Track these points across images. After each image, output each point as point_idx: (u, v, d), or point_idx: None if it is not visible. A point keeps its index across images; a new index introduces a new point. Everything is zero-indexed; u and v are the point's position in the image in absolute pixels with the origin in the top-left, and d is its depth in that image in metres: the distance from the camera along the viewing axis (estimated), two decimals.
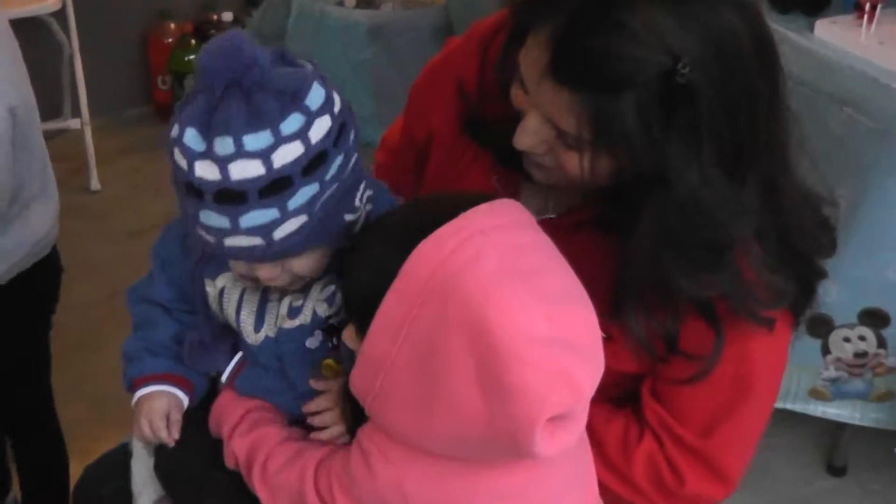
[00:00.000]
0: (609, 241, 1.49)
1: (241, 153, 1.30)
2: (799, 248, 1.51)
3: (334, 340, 1.52)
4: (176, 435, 1.60)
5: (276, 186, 1.33)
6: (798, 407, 2.50)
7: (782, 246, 1.48)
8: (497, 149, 1.62)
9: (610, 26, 1.31)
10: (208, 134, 1.31)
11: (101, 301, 3.35)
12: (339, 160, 1.39)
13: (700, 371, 1.49)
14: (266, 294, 1.53)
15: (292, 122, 1.32)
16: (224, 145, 1.30)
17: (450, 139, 1.73)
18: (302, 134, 1.33)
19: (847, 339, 2.37)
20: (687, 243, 1.40)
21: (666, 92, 1.31)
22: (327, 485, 1.41)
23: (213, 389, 1.68)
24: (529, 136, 1.45)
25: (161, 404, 1.61)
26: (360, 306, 1.31)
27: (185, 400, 1.63)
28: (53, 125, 4.32)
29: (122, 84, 4.57)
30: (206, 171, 1.32)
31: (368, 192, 1.49)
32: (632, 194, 1.40)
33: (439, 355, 1.22)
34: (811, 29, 2.36)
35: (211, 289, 1.56)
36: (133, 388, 1.63)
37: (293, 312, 1.52)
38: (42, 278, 2.41)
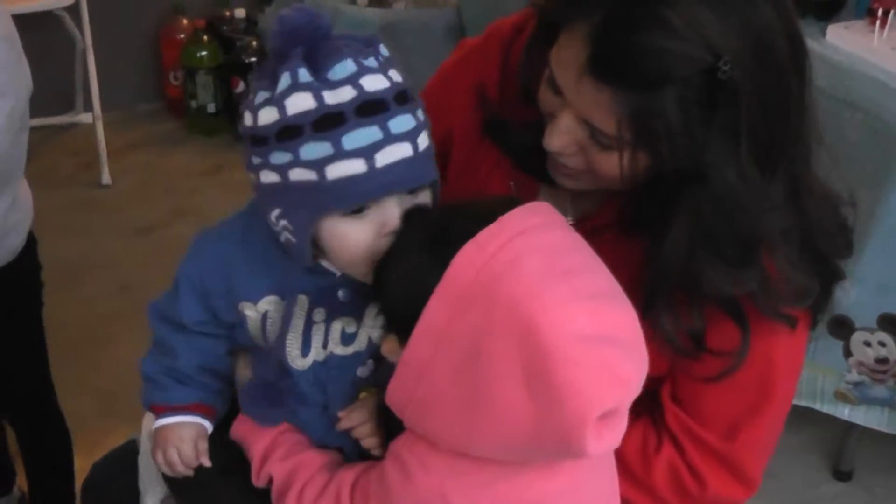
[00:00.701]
0: (626, 243, 1.48)
1: (363, 70, 1.31)
2: (820, 248, 1.50)
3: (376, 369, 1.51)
4: (206, 462, 1.58)
5: (401, 97, 1.34)
6: (826, 409, 2.49)
7: (805, 245, 1.47)
8: (517, 153, 1.61)
9: (651, 21, 1.30)
10: (321, 68, 1.30)
11: (111, 295, 3.32)
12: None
13: (728, 368, 1.48)
14: (311, 317, 1.48)
15: (381, 53, 1.35)
16: (345, 67, 1.30)
17: (470, 143, 1.71)
18: (389, 64, 1.35)
19: (868, 344, 2.36)
20: (721, 240, 1.40)
21: (707, 88, 1.31)
22: (363, 499, 1.40)
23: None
24: (562, 136, 1.43)
25: (190, 433, 1.58)
26: (401, 316, 1.29)
27: (210, 428, 1.61)
28: (66, 119, 4.35)
29: (134, 79, 4.56)
30: (339, 94, 1.30)
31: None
32: (666, 192, 1.38)
33: (484, 358, 1.21)
34: (823, 34, 2.35)
35: (251, 312, 1.50)
36: (157, 413, 1.60)
37: (347, 339, 1.49)
38: (30, 266, 2.43)
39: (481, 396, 1.22)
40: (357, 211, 1.34)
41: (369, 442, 1.48)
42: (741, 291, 1.44)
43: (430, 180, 1.39)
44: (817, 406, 2.48)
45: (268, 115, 1.32)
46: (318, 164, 1.31)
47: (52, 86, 4.19)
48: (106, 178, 4.14)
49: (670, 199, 1.39)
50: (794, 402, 2.23)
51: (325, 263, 1.45)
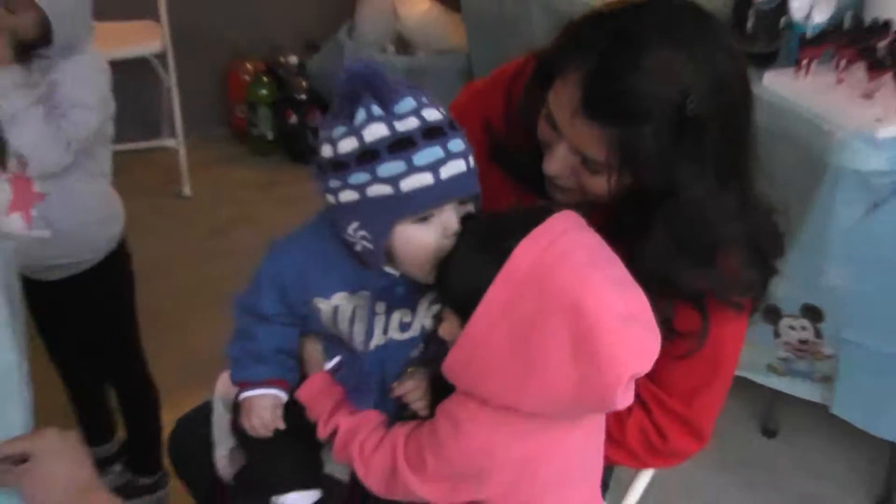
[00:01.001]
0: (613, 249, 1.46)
1: (421, 104, 1.33)
2: (762, 250, 1.51)
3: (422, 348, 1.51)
4: (280, 426, 1.58)
5: (452, 125, 1.36)
6: (760, 379, 2.51)
7: (751, 247, 1.48)
8: (518, 175, 1.61)
9: (632, 70, 1.32)
10: (387, 104, 1.32)
11: (189, 284, 3.33)
12: None
13: (691, 348, 1.51)
14: (373, 310, 1.48)
15: (427, 96, 1.37)
16: (408, 103, 1.32)
17: (480, 167, 1.71)
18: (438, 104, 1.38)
19: (792, 328, 2.37)
20: (690, 244, 1.42)
21: (678, 121, 1.33)
22: (416, 451, 1.39)
23: None
24: (558, 163, 1.45)
25: (268, 403, 1.58)
26: (463, 301, 1.30)
27: (285, 398, 1.59)
28: (154, 143, 4.34)
29: (208, 112, 4.56)
30: (406, 123, 1.32)
31: None
32: (645, 206, 1.41)
33: (538, 331, 1.23)
34: (761, 79, 2.34)
35: (324, 306, 1.50)
36: (242, 387, 1.60)
37: (404, 327, 1.49)
38: (125, 255, 2.44)
39: (534, 362, 1.25)
40: (423, 218, 1.36)
41: (419, 405, 1.47)
42: (705, 287, 1.47)
43: (479, 192, 1.40)
44: (752, 376, 2.50)
45: (347, 144, 1.34)
46: (394, 180, 1.32)
47: (144, 116, 4.23)
48: (187, 190, 4.17)
49: (648, 212, 1.40)
50: (736, 372, 2.25)
51: (386, 268, 1.45)
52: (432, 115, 1.34)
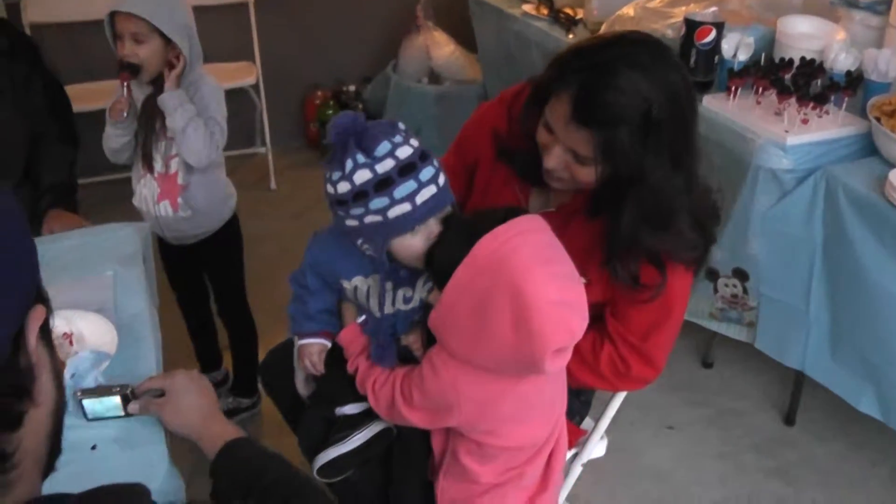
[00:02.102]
0: (589, 223, 1.52)
1: (395, 145, 1.32)
2: (702, 220, 1.51)
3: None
4: (322, 369, 1.63)
5: (423, 156, 1.34)
6: (703, 322, 2.51)
7: (694, 215, 1.49)
8: (519, 168, 1.62)
9: (608, 87, 1.36)
10: (369, 150, 1.31)
11: (277, 254, 3.35)
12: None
13: (652, 295, 1.51)
14: (384, 287, 1.50)
15: (401, 128, 1.36)
16: (384, 147, 1.31)
17: (489, 166, 1.71)
18: (409, 136, 1.36)
19: (726, 285, 2.37)
20: (653, 216, 1.44)
21: (644, 124, 1.37)
22: (408, 387, 1.42)
23: None
24: (555, 159, 1.47)
25: (316, 349, 1.62)
26: (443, 275, 1.30)
27: (329, 344, 1.63)
28: (249, 150, 4.36)
29: (289, 127, 4.53)
30: (384, 165, 1.31)
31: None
32: (619, 189, 1.42)
33: (489, 306, 1.24)
34: (701, 101, 2.34)
35: (347, 285, 1.54)
36: (299, 337, 1.64)
37: (407, 300, 1.50)
38: (236, 222, 2.45)
39: (485, 329, 1.26)
40: (411, 231, 1.37)
41: (417, 350, 1.48)
42: (662, 247, 1.48)
43: (452, 202, 1.39)
44: (697, 321, 2.50)
45: (343, 187, 1.34)
46: (382, 211, 1.33)
47: (243, 130, 4.22)
48: (273, 185, 4.18)
49: (622, 194, 1.43)
50: (686, 318, 2.26)
51: None
52: (404, 152, 1.32)
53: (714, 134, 2.25)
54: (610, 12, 2.85)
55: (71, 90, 3.62)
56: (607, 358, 1.60)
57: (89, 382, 1.47)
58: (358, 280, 1.51)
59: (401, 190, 1.31)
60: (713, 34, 2.34)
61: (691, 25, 2.37)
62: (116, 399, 1.44)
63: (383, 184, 1.31)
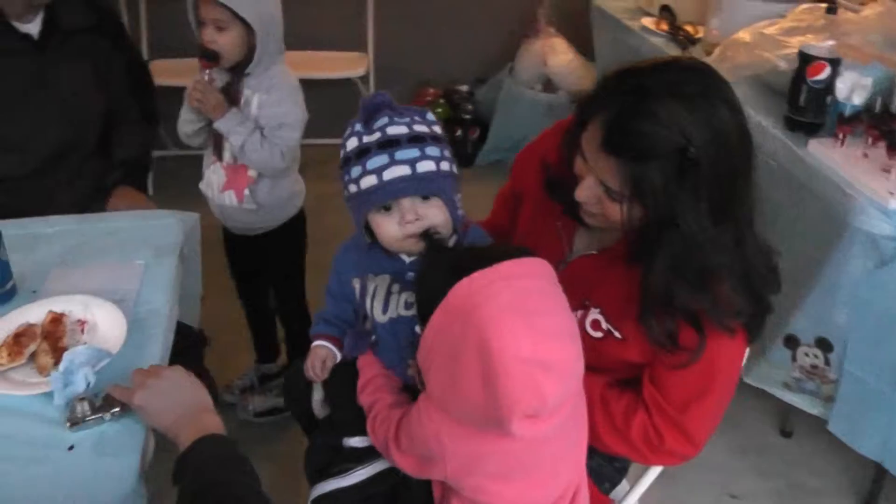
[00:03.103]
0: (631, 269, 1.38)
1: (392, 122, 1.34)
2: (754, 285, 1.36)
3: None
4: (324, 375, 1.63)
5: (415, 139, 1.34)
6: (776, 392, 2.29)
7: (744, 281, 1.35)
8: (564, 203, 1.50)
9: (644, 115, 1.24)
10: (371, 122, 1.34)
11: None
12: (448, 152, 1.39)
13: (690, 359, 1.37)
14: (390, 290, 1.48)
15: (424, 118, 1.38)
16: (381, 121, 1.34)
17: (535, 196, 1.61)
18: (428, 124, 1.38)
19: (807, 355, 2.15)
20: (685, 269, 1.30)
21: (679, 162, 1.24)
22: (399, 430, 1.38)
23: None
24: (585, 191, 1.36)
25: (322, 353, 1.62)
26: (424, 311, 1.23)
27: (339, 355, 1.62)
28: None
29: None
30: (371, 136, 1.33)
31: (461, 209, 1.43)
32: (653, 234, 1.30)
33: (459, 357, 1.15)
34: (806, 144, 2.12)
35: (357, 284, 1.52)
36: (313, 339, 1.65)
37: (408, 306, 1.46)
38: (302, 220, 2.41)
39: (456, 381, 1.16)
40: (387, 208, 1.37)
41: (419, 384, 1.38)
42: (697, 307, 1.33)
43: (425, 194, 1.36)
44: (770, 389, 2.29)
45: (341, 153, 1.39)
46: (356, 180, 1.35)
47: (345, 121, 4.18)
48: None
49: (655, 239, 1.29)
50: (756, 384, 2.06)
51: (401, 255, 1.46)
52: (396, 130, 1.33)
53: (813, 184, 2.04)
54: (729, 34, 2.65)
55: (161, 64, 3.73)
56: (640, 426, 1.45)
57: (78, 379, 1.43)
58: (368, 278, 1.50)
59: (373, 161, 1.33)
60: (827, 71, 2.11)
61: (805, 59, 2.15)
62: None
63: (362, 153, 1.34)
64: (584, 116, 1.33)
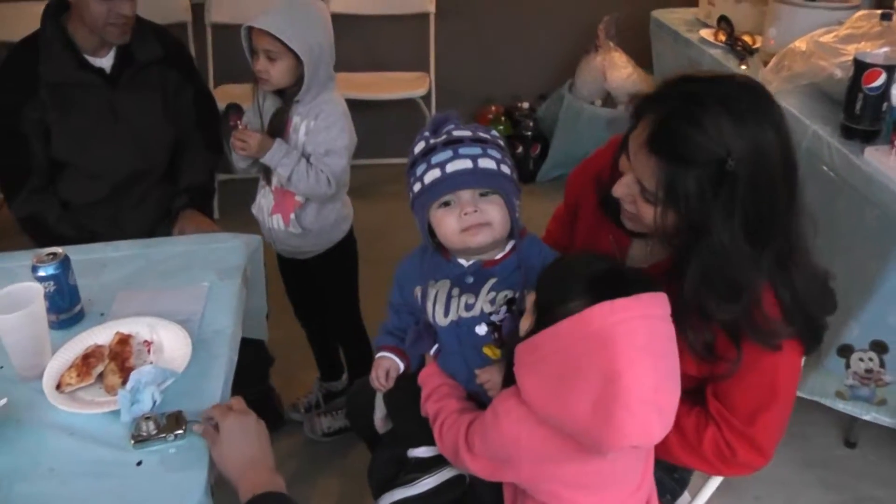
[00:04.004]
0: (677, 285, 1.38)
1: (456, 128, 1.43)
2: (807, 310, 1.38)
3: (495, 335, 1.48)
4: (389, 385, 1.66)
5: (477, 140, 1.41)
6: (827, 402, 2.26)
7: (795, 305, 1.35)
8: (616, 219, 1.53)
9: (691, 120, 1.26)
10: (435, 130, 1.45)
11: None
12: (509, 159, 1.46)
13: (730, 369, 1.39)
14: (450, 293, 1.50)
15: (487, 132, 1.47)
16: (447, 127, 1.44)
17: (591, 212, 1.64)
18: (492, 136, 1.46)
19: (861, 360, 2.12)
20: (716, 280, 1.31)
21: (717, 173, 1.25)
22: (471, 435, 1.38)
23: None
24: (623, 188, 1.39)
25: (386, 364, 1.66)
26: (544, 307, 1.26)
27: (402, 365, 1.66)
28: None
29: None
30: (438, 138, 1.42)
31: (518, 212, 1.47)
32: (685, 242, 1.32)
33: (579, 375, 1.18)
34: (863, 152, 2.10)
35: (419, 292, 1.55)
36: (377, 350, 1.69)
37: (468, 307, 1.48)
38: (351, 243, 2.44)
39: (564, 392, 1.20)
40: (446, 203, 1.42)
41: (491, 390, 1.46)
42: (727, 318, 1.34)
43: (485, 188, 1.42)
44: (821, 400, 2.26)
45: (409, 159, 1.46)
46: (422, 177, 1.41)
47: (411, 141, 4.23)
48: None
49: (689, 248, 1.32)
50: (808, 397, 2.03)
51: (460, 260, 1.51)
52: (461, 133, 1.42)
53: (870, 191, 2.01)
54: (786, 43, 2.62)
55: (226, 89, 3.84)
56: (711, 441, 1.46)
57: (145, 398, 1.49)
58: (429, 284, 1.53)
59: (438, 157, 1.39)
60: (883, 78, 2.08)
61: (860, 67, 2.12)
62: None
63: (428, 151, 1.41)
64: (637, 114, 1.36)
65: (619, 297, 1.17)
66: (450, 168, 1.38)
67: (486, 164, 1.40)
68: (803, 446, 2.57)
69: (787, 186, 1.30)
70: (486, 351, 1.49)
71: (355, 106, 3.60)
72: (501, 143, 1.47)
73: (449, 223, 1.43)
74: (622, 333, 1.15)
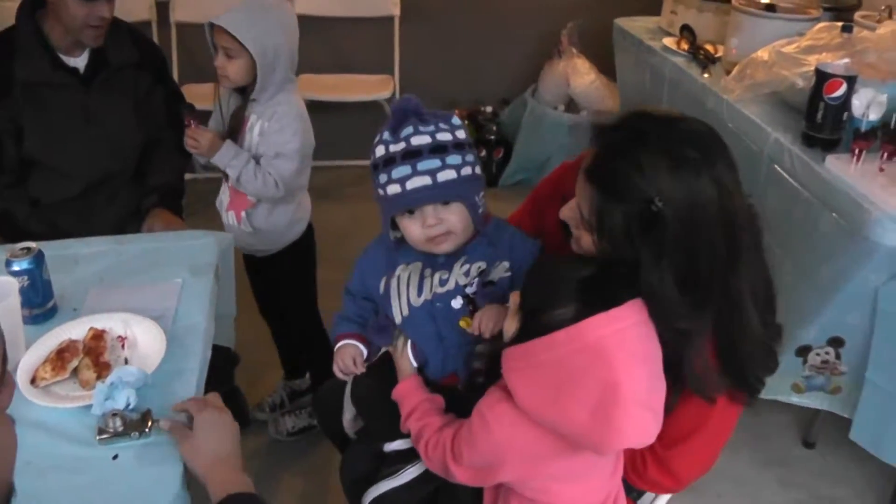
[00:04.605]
0: None
1: (416, 132, 1.42)
2: (745, 370, 1.38)
3: (470, 307, 1.51)
4: (358, 370, 1.64)
5: (437, 149, 1.42)
6: (782, 397, 2.31)
7: (733, 362, 1.35)
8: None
9: (628, 158, 1.26)
10: (394, 131, 1.43)
11: None
12: (471, 156, 1.47)
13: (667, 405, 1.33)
14: (423, 273, 1.53)
15: (448, 124, 1.46)
16: (407, 130, 1.42)
17: (555, 233, 1.60)
18: (452, 129, 1.46)
19: (818, 354, 2.20)
20: (652, 318, 1.27)
21: (645, 213, 1.23)
22: (458, 446, 1.37)
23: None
24: (567, 211, 1.40)
25: (351, 351, 1.64)
26: (533, 312, 1.27)
27: (366, 351, 1.65)
28: None
29: None
30: (397, 146, 1.42)
31: (484, 204, 1.51)
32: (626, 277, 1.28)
33: (577, 383, 1.19)
34: (824, 160, 2.15)
35: (383, 282, 1.58)
36: (336, 340, 1.66)
37: (442, 282, 1.51)
38: (307, 244, 2.43)
39: (563, 400, 1.21)
40: (410, 212, 1.47)
41: (486, 333, 1.45)
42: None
43: (444, 200, 1.45)
44: (775, 397, 2.31)
45: (371, 158, 1.48)
46: (383, 186, 1.45)
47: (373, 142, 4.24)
48: None
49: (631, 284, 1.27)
50: (764, 396, 2.07)
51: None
52: (419, 141, 1.41)
53: (830, 197, 2.06)
54: (748, 53, 2.68)
55: (191, 88, 3.81)
56: (628, 451, 1.49)
57: (120, 396, 1.49)
58: (400, 269, 1.56)
59: (398, 171, 1.41)
60: (843, 88, 2.14)
61: (822, 77, 2.18)
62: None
63: (388, 162, 1.43)
64: (592, 140, 1.37)
65: (608, 305, 1.19)
66: (409, 185, 1.41)
67: (446, 176, 1.42)
68: (763, 446, 2.63)
69: (726, 242, 1.26)
70: (462, 324, 1.52)
71: (319, 107, 3.65)
72: (463, 135, 1.47)
73: (413, 231, 1.48)
74: (618, 343, 1.17)
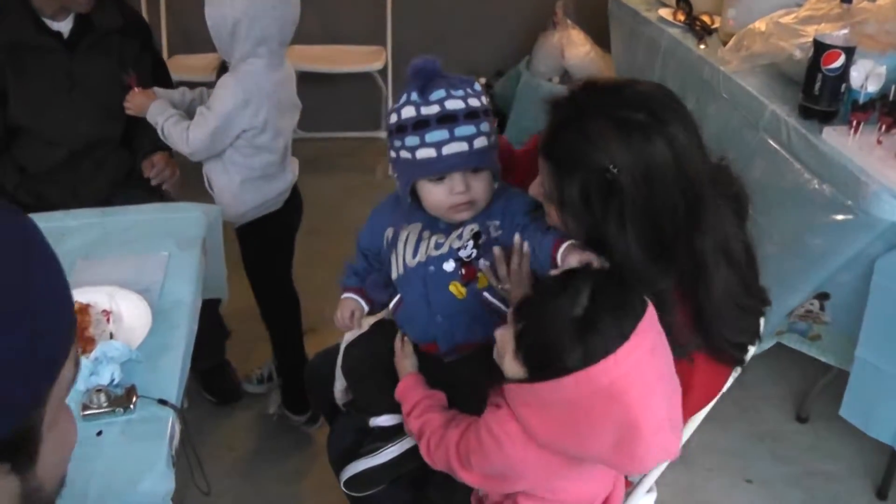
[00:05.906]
0: None
1: (449, 96, 1.40)
2: (720, 331, 1.34)
3: (462, 271, 1.50)
4: (353, 326, 1.67)
5: (471, 115, 1.40)
6: (766, 345, 2.30)
7: (701, 321, 1.32)
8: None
9: (576, 127, 1.25)
10: (426, 92, 1.40)
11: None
12: (494, 124, 1.46)
13: None
14: (420, 236, 1.53)
15: (474, 89, 1.44)
16: (439, 94, 1.40)
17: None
18: (478, 95, 1.44)
19: (803, 306, 2.20)
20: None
21: (602, 183, 1.23)
22: (465, 453, 1.32)
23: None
24: (534, 187, 1.42)
25: (351, 305, 1.66)
26: (539, 367, 1.17)
27: (366, 307, 1.67)
28: (372, 134, 4.27)
29: None
30: (430, 109, 1.39)
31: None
32: (595, 249, 1.28)
33: (595, 424, 1.14)
34: (821, 132, 2.12)
35: (389, 233, 1.59)
36: (343, 291, 1.69)
37: (438, 246, 1.51)
38: (287, 214, 2.37)
39: (582, 436, 1.16)
40: (439, 178, 1.44)
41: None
42: None
43: (479, 167, 1.44)
44: (761, 348, 2.24)
45: (393, 118, 1.44)
46: (413, 149, 1.42)
47: (367, 114, 4.21)
48: (378, 172, 4.00)
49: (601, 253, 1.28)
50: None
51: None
52: (454, 104, 1.39)
53: (827, 170, 2.04)
54: (746, 24, 2.64)
55: (180, 59, 3.78)
56: None
57: (105, 371, 1.47)
58: (401, 227, 1.56)
59: (433, 135, 1.39)
60: (842, 59, 2.11)
61: (820, 48, 2.14)
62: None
63: (420, 124, 1.39)
64: (546, 116, 1.35)
65: (615, 341, 1.10)
66: (446, 151, 1.39)
67: (481, 143, 1.41)
68: (755, 420, 2.62)
69: (685, 202, 1.24)
70: (452, 289, 1.50)
71: (310, 78, 3.61)
72: (486, 102, 1.46)
73: (437, 197, 1.46)
74: (632, 382, 1.11)
